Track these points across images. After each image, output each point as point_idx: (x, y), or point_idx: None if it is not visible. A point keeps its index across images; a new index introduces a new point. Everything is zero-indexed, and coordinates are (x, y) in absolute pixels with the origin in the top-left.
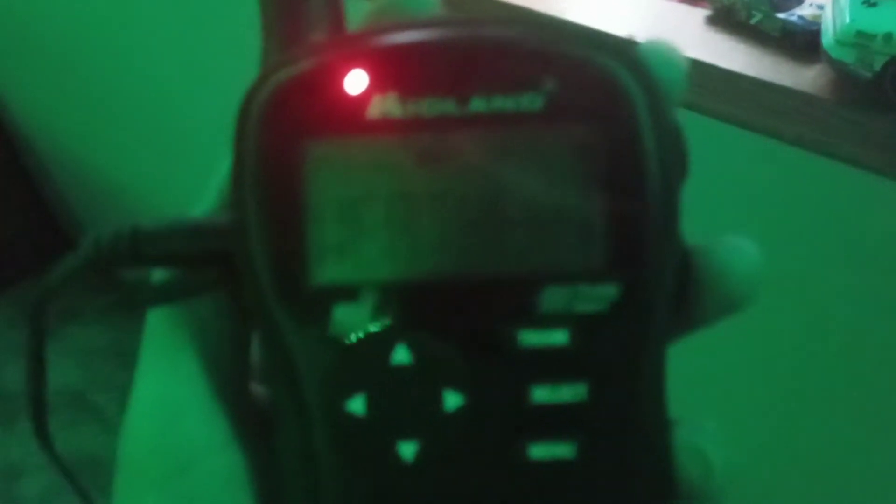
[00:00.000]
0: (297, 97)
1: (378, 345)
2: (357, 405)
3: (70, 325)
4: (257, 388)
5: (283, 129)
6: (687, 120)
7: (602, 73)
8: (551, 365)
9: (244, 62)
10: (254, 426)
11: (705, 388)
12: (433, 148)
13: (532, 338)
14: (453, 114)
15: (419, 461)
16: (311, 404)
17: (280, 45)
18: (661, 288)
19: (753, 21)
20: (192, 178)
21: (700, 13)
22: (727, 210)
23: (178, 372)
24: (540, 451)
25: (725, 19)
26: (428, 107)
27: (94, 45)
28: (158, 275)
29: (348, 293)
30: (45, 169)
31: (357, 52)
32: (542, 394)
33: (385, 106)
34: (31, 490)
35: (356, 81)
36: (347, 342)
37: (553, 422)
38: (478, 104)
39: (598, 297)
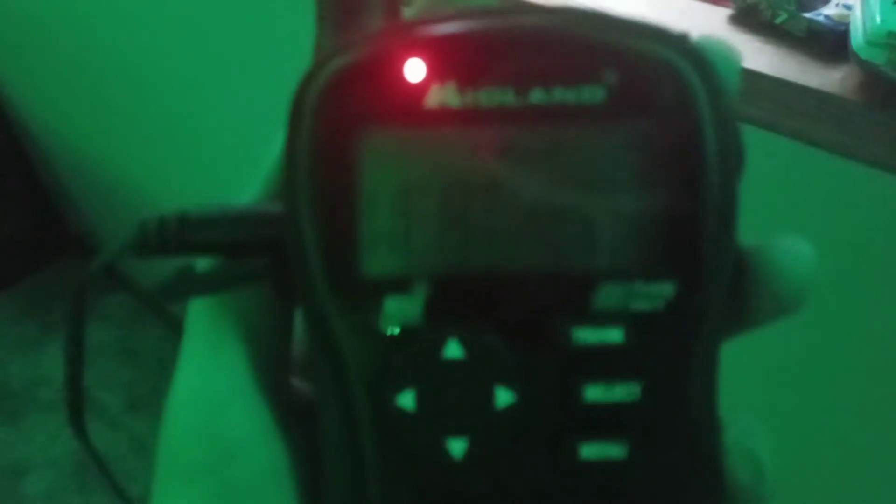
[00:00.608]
0: (353, 85)
1: (429, 339)
2: (407, 400)
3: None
4: (298, 383)
5: (338, 117)
6: None
7: (664, 66)
8: (605, 363)
9: (251, 57)
10: (295, 419)
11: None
12: (491, 139)
13: (586, 335)
14: (512, 105)
15: (468, 459)
16: (359, 398)
17: (335, 33)
18: (716, 288)
19: (778, 21)
20: (197, 174)
21: (722, 12)
22: (751, 214)
23: (221, 362)
24: (591, 450)
25: (748, 19)
26: (487, 97)
27: (100, 40)
28: (203, 264)
29: (400, 285)
30: (49, 165)
31: (415, 41)
32: (594, 392)
33: (443, 95)
34: (35, 488)
35: (414, 70)
36: (398, 336)
37: (605, 421)
38: (538, 96)
39: (653, 295)
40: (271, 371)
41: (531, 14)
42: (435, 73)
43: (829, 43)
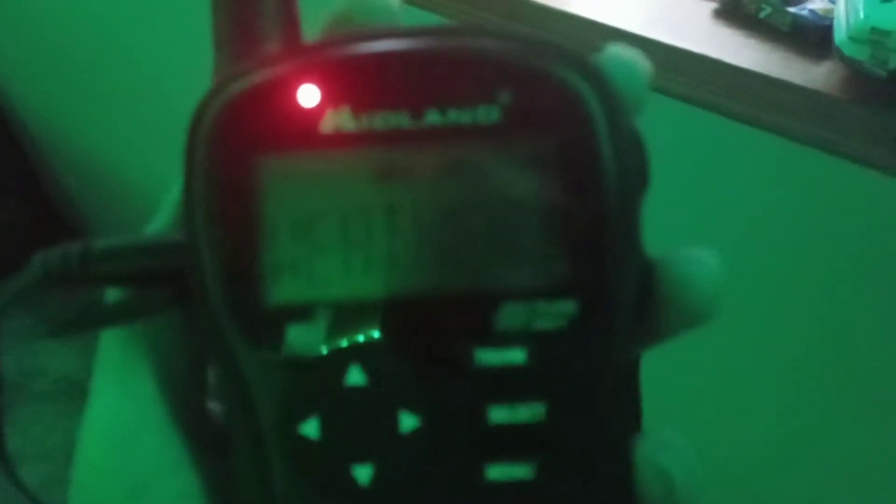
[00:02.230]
0: (248, 111)
1: (332, 366)
2: (311, 428)
3: (69, 314)
4: (215, 406)
5: (234, 143)
6: (692, 116)
7: (557, 83)
8: (508, 384)
9: None
10: (211, 446)
11: (715, 390)
12: (387, 162)
13: (488, 357)
14: (408, 127)
15: (375, 484)
16: (265, 426)
17: (232, 57)
18: (620, 303)
19: (762, 15)
20: None
21: (707, 6)
22: (733, 209)
23: (132, 393)
24: (498, 472)
25: (733, 13)
26: (382, 120)
27: (96, 31)
28: (112, 294)
29: (302, 313)
30: (44, 156)
31: (309, 65)
32: (499, 414)
33: (338, 120)
34: (29, 480)
35: (309, 95)
36: (300, 363)
37: (511, 442)
38: (432, 117)
39: (555, 313)
40: (185, 398)
41: (425, 35)
42: (329, 97)
43: (813, 38)
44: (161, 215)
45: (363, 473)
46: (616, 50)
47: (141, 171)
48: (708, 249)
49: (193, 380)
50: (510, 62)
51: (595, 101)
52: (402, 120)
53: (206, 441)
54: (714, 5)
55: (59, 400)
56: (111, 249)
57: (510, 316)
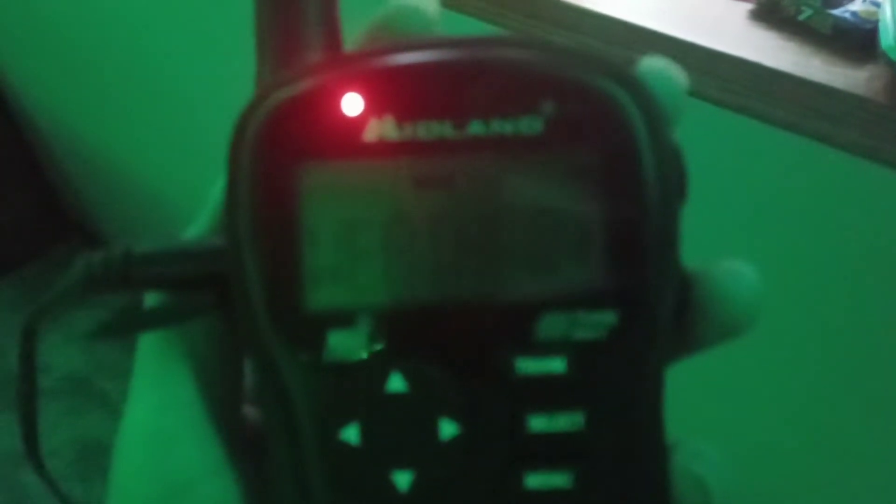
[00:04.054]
0: (292, 120)
1: (373, 372)
2: (351, 434)
3: (76, 311)
4: (251, 411)
5: (278, 152)
6: (728, 121)
7: (600, 95)
8: (548, 394)
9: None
10: (248, 450)
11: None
12: (430, 172)
13: (529, 366)
14: (451, 137)
15: (414, 491)
16: (305, 432)
17: (275, 66)
18: (659, 315)
19: (802, 17)
20: (198, 164)
21: (743, 7)
22: (770, 215)
23: (171, 397)
24: (536, 480)
25: (770, 15)
26: (425, 130)
27: (103, 28)
28: (151, 298)
29: (343, 319)
30: (49, 151)
31: (353, 75)
32: (538, 423)
33: (382, 129)
34: (36, 476)
35: (352, 104)
36: (341, 369)
37: (550, 451)
38: (476, 127)
39: (596, 324)
40: (222, 403)
41: (469, 45)
42: (373, 107)
43: (855, 41)
44: (200, 219)
45: (403, 480)
46: (653, 62)
47: (148, 167)
48: (746, 263)
49: (231, 384)
50: (553, 73)
51: (637, 113)
52: (445, 130)
53: (242, 446)
54: (750, 6)
55: (64, 397)
56: (153, 254)
57: (550, 325)
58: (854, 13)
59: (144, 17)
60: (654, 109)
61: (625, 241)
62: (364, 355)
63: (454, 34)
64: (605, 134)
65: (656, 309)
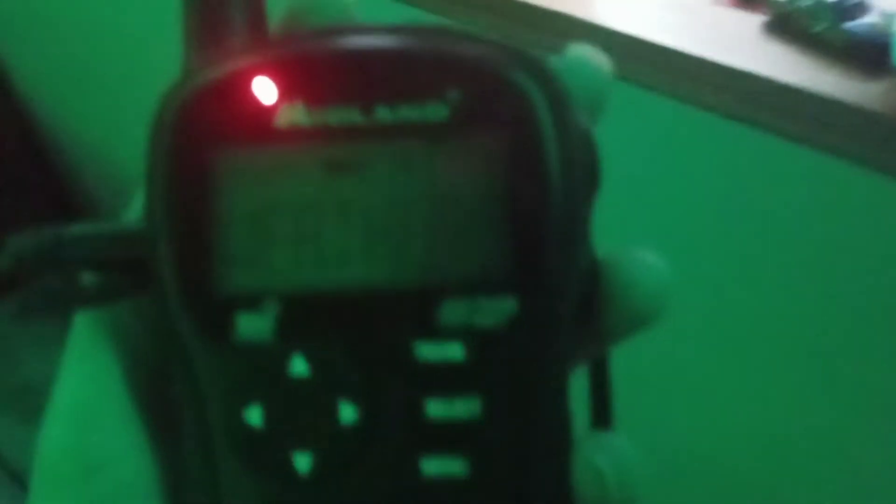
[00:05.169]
0: (206, 105)
1: (276, 355)
2: (254, 415)
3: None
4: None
5: (192, 136)
6: (741, 135)
7: (504, 82)
8: (446, 379)
9: None
10: (172, 430)
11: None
12: (338, 157)
13: (428, 351)
14: (359, 123)
15: (314, 472)
16: (212, 412)
17: (198, 52)
18: (561, 303)
19: (815, 31)
20: None
21: (756, 20)
22: (784, 230)
23: (95, 376)
24: (433, 466)
25: (784, 27)
26: (334, 115)
27: (115, 35)
28: (88, 278)
29: (251, 302)
30: (62, 157)
31: (265, 61)
32: (436, 408)
33: (292, 114)
34: None
35: (264, 90)
36: (247, 351)
37: (447, 437)
38: (383, 113)
39: (496, 311)
40: (149, 383)
41: (381, 33)
42: (284, 92)
43: (869, 55)
44: (136, 203)
45: (303, 461)
46: (577, 50)
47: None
48: (654, 251)
49: (158, 366)
50: (459, 61)
51: (542, 101)
52: (353, 115)
53: (168, 426)
54: (763, 19)
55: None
56: (82, 236)
57: (451, 311)
58: (869, 26)
59: (163, 25)
60: (560, 97)
61: (526, 229)
62: (269, 338)
63: (369, 21)
64: (509, 121)
65: (558, 297)
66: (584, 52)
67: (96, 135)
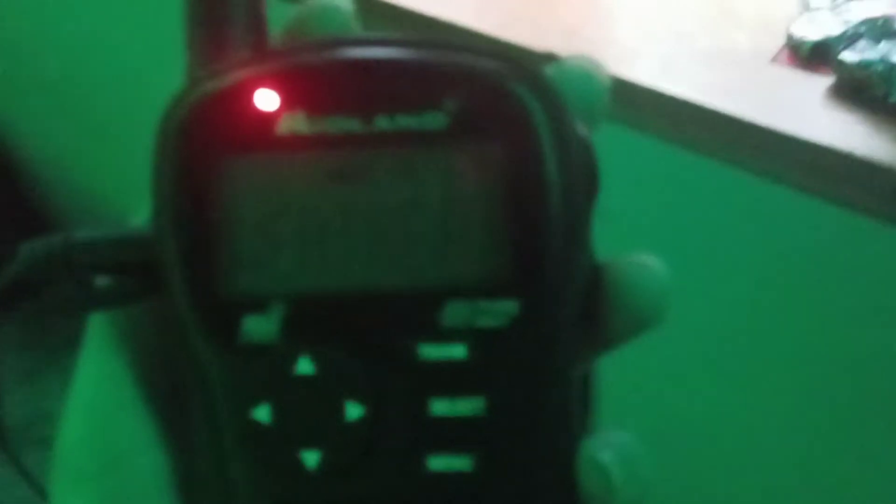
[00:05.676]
0: (211, 115)
1: (283, 356)
2: (262, 413)
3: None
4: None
5: (197, 145)
6: (810, 209)
7: (500, 90)
8: (450, 379)
9: None
10: (183, 429)
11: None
12: (339, 165)
13: (432, 351)
14: (358, 131)
15: (322, 469)
16: (221, 411)
17: (202, 62)
18: (562, 305)
19: (893, 100)
20: None
21: (821, 83)
22: (857, 303)
23: (111, 374)
24: (439, 462)
25: (854, 94)
26: (334, 124)
27: (89, 61)
28: (100, 281)
29: (257, 305)
30: (39, 187)
31: (267, 71)
32: (440, 407)
33: (293, 123)
34: None
35: (266, 99)
36: (254, 352)
37: (452, 435)
38: (382, 122)
39: (497, 312)
40: (162, 381)
41: (381, 44)
42: (285, 102)
43: None
44: (143, 209)
45: (311, 458)
46: (573, 60)
47: (137, 201)
48: (653, 255)
49: (169, 366)
50: (457, 72)
51: (539, 110)
52: (353, 124)
53: (178, 423)
54: (828, 82)
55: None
56: (93, 240)
57: (454, 313)
58: None
59: (136, 51)
60: (558, 107)
61: (526, 233)
62: (275, 339)
63: (369, 32)
64: (508, 130)
65: (558, 300)
66: (581, 62)
67: (64, 153)
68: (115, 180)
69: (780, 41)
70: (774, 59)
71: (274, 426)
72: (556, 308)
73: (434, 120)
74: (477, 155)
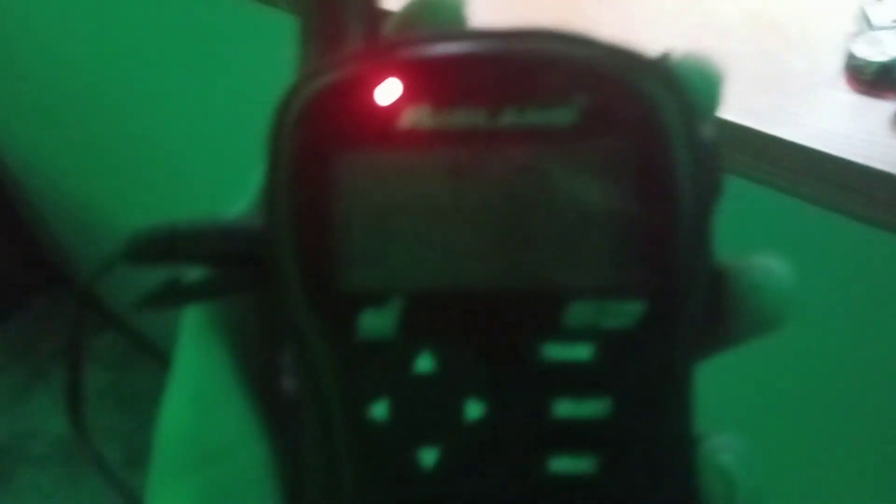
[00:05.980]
0: (329, 107)
1: (402, 352)
2: (380, 410)
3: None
4: (290, 383)
5: (315, 138)
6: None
7: (634, 88)
8: (574, 379)
9: (229, 94)
10: (285, 421)
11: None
12: (463, 160)
13: (555, 352)
14: (484, 126)
15: (439, 468)
16: (335, 407)
17: (316, 55)
18: (688, 307)
19: None
20: (182, 214)
21: (888, 109)
22: None
23: (211, 367)
24: (560, 464)
25: None
26: (459, 118)
27: (80, 78)
28: (195, 272)
29: (375, 300)
30: (30, 202)
31: (390, 63)
32: (563, 408)
33: (416, 117)
34: None
35: (388, 92)
36: (372, 348)
37: (574, 436)
38: (509, 117)
39: (623, 313)
40: (261, 374)
41: (504, 36)
42: (408, 95)
43: None
44: (243, 200)
45: (428, 457)
46: (690, 56)
47: (130, 218)
48: (778, 259)
49: (269, 356)
50: (588, 66)
51: (672, 108)
52: (479, 118)
53: (280, 417)
54: (894, 108)
55: (56, 464)
56: (198, 230)
57: (579, 313)
58: None
59: (124, 67)
60: (689, 105)
61: (655, 235)
62: (393, 335)
63: (484, 26)
64: (639, 128)
65: (685, 301)
66: (698, 59)
67: (56, 167)
68: (107, 194)
69: (836, 61)
70: (834, 82)
71: (391, 423)
72: (682, 309)
73: (563, 115)
74: (606, 152)
